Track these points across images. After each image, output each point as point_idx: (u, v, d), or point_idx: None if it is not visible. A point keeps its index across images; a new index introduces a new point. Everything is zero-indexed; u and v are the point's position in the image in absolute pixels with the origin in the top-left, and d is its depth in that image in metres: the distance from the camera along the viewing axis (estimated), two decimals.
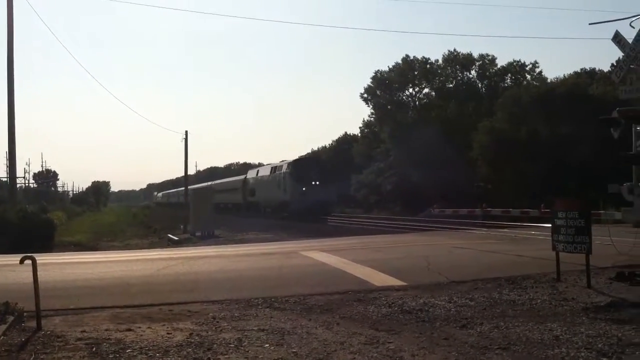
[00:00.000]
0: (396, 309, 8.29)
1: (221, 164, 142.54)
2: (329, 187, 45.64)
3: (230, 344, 6.55)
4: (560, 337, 6.58)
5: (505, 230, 23.34)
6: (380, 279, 10.81)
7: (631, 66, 11.59)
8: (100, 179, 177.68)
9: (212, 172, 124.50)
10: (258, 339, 6.73)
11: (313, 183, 44.80)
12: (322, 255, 14.67)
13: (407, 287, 9.93)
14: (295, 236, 25.28)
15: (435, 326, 7.27)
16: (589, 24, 12.62)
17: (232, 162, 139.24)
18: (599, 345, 6.20)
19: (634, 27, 11.33)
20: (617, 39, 11.55)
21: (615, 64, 12.07)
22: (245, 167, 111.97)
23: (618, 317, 7.53)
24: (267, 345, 6.49)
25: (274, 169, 51.25)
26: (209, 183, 78.66)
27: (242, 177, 64.82)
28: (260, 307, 8.68)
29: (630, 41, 11.39)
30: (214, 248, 20.91)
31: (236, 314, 8.16)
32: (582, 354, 5.95)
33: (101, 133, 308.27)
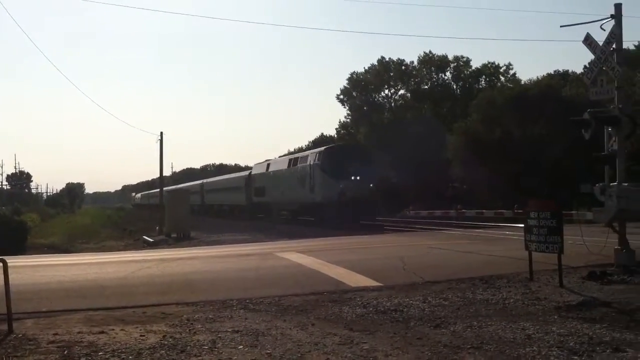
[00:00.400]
0: (371, 309, 8.31)
1: (197, 165, 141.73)
2: (371, 182, 33.63)
3: (204, 345, 6.52)
4: (533, 335, 6.65)
5: (479, 230, 23.56)
6: (356, 280, 10.83)
7: (602, 68, 11.71)
8: (75, 181, 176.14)
9: (188, 174, 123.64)
10: (232, 341, 6.71)
11: (353, 178, 32.69)
12: (298, 256, 14.66)
13: (382, 288, 9.96)
14: (272, 237, 25.21)
15: (410, 326, 7.31)
16: (561, 26, 12.76)
17: (208, 163, 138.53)
18: (570, 344, 6.28)
19: (604, 30, 11.45)
20: (588, 41, 11.68)
21: (587, 66, 12.13)
22: (222, 168, 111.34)
23: (589, 316, 7.62)
24: (241, 346, 6.47)
25: (294, 161, 39.39)
26: (202, 181, 71.21)
27: (246, 173, 52.73)
28: (235, 308, 8.65)
29: (600, 43, 11.51)
30: (189, 250, 20.79)
31: (210, 316, 8.12)
32: (554, 352, 6.02)
33: (75, 134, 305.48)
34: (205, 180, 71.18)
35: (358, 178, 32.62)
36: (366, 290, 9.77)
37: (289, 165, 39.86)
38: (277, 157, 53.96)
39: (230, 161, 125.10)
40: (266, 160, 47.81)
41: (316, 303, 8.84)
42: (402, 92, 66.10)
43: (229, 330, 7.22)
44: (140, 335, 7.03)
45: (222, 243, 24.54)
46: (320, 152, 35.08)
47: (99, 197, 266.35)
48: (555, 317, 7.59)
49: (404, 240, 19.69)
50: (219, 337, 6.89)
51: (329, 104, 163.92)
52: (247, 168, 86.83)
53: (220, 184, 61.34)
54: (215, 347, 6.45)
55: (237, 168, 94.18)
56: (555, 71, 53.19)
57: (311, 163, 35.13)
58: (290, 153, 63.52)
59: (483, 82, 62.08)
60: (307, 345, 6.42)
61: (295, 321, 7.66)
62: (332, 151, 35.10)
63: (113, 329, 7.39)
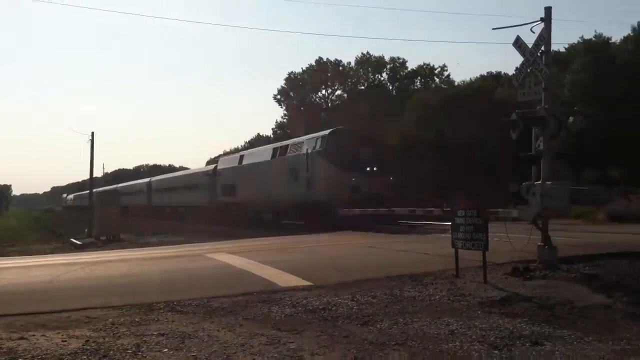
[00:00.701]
0: (300, 308, 8.32)
1: (129, 166, 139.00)
2: (391, 175, 27.18)
3: (127, 349, 6.39)
4: (456, 331, 6.80)
5: (414, 228, 23.89)
6: (286, 280, 10.82)
7: (529, 70, 12.05)
8: (1, 182, 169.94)
9: (120, 175, 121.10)
10: (157, 344, 6.60)
11: (369, 169, 25.91)
12: (228, 257, 14.54)
13: (312, 287, 9.98)
14: (204, 238, 24.91)
15: (337, 324, 7.35)
16: (492, 28, 13.09)
17: (140, 164, 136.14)
18: (491, 338, 6.45)
19: (534, 32, 11.79)
20: (518, 43, 12.00)
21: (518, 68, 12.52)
22: (156, 169, 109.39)
23: (511, 310, 7.85)
24: (166, 349, 6.37)
25: (282, 150, 31.68)
26: (150, 179, 63.53)
27: (209, 168, 44.70)
28: (162, 311, 8.50)
29: (530, 46, 11.86)
30: (118, 252, 20.29)
31: (136, 319, 7.95)
32: (475, 346, 6.17)
33: (1, 134, 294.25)
34: (153, 179, 63.30)
35: (375, 169, 25.91)
36: (296, 290, 9.76)
37: (274, 156, 32.23)
38: (228, 154, 49.37)
39: (165, 162, 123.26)
40: (238, 152, 42.01)
41: (245, 304, 8.78)
42: (339, 92, 66.74)
43: (155, 333, 7.09)
44: (62, 341, 6.83)
45: (153, 245, 24.12)
46: (323, 137, 27.45)
47: (27, 199, 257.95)
48: (479, 312, 7.78)
49: (339, 239, 19.78)
50: (144, 340, 6.76)
51: (266, 104, 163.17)
52: (182, 168, 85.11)
53: (173, 182, 53.69)
54: (139, 351, 6.33)
55: (171, 169, 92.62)
56: (488, 73, 54.60)
57: (308, 151, 27.70)
58: (267, 141, 58.71)
59: (418, 83, 63.26)
60: (234, 347, 6.38)
61: (223, 322, 7.59)
62: (339, 135, 27.36)
63: (34, 335, 7.16)
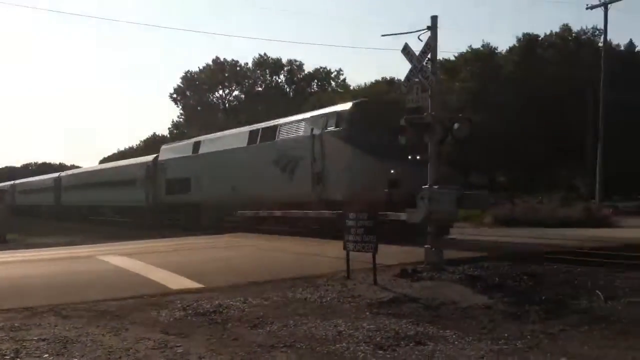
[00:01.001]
0: (190, 312, 8.22)
1: (18, 164, 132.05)
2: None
3: (5, 355, 6.12)
4: (343, 332, 6.94)
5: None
6: (178, 282, 10.65)
7: (416, 79, 12.43)
8: None
9: (8, 172, 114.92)
10: (37, 349, 6.35)
11: (410, 157, 13.31)
12: (121, 259, 14.15)
13: (204, 290, 9.88)
14: (97, 239, 24.11)
15: (227, 327, 7.33)
16: (382, 35, 13.41)
17: (30, 162, 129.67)
18: (377, 339, 6.63)
19: (421, 40, 12.13)
20: (406, 50, 12.34)
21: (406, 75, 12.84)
22: (45, 167, 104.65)
23: (398, 311, 8.09)
24: (47, 355, 6.15)
25: (265, 133, 23.85)
26: (59, 174, 54.57)
27: (147, 159, 36.25)
28: (45, 315, 8.16)
29: (417, 53, 12.21)
30: (2, 254, 19.29)
31: (16, 324, 7.59)
32: (361, 347, 6.33)
33: None
34: (64, 173, 54.42)
35: (417, 158, 15.28)
36: (188, 293, 9.64)
37: (252, 141, 24.32)
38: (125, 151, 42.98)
39: (55, 160, 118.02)
40: (182, 141, 34.13)
41: (134, 307, 8.59)
42: (236, 93, 66.58)
43: (35, 338, 6.81)
44: None
45: (42, 246, 23.07)
46: (341, 113, 19.76)
47: None
48: (367, 313, 7.98)
49: (237, 241, 19.62)
50: (24, 346, 6.48)
51: (162, 103, 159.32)
52: (74, 167, 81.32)
53: (94, 177, 44.46)
54: (17, 357, 6.09)
55: (61, 167, 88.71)
56: (382, 78, 56.07)
57: (315, 132, 20.03)
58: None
59: (315, 86, 64.15)
60: (119, 351, 6.23)
61: (109, 327, 7.38)
62: (367, 109, 19.73)
63: None
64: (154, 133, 77.60)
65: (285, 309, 8.31)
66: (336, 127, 19.35)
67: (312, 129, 20.33)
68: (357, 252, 10.39)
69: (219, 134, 29.95)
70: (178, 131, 68.55)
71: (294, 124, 22.18)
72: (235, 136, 26.80)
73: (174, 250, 17.13)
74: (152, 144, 72.37)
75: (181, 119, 69.71)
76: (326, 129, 19.73)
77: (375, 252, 10.04)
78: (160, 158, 33.08)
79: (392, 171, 16.97)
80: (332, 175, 19.25)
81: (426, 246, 11.56)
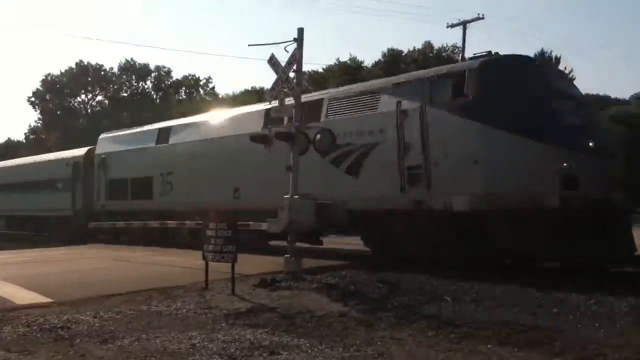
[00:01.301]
0: (35, 327, 7.77)
1: None
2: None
3: None
4: (197, 344, 6.82)
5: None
6: (25, 297, 10.04)
7: (283, 90, 12.57)
8: None
9: None
10: None
11: (591, 145, 11.66)
12: None
13: (52, 304, 9.38)
14: None
15: (75, 343, 7.00)
16: (248, 45, 13.48)
17: None
18: (232, 350, 6.57)
19: (287, 52, 12.26)
20: (272, 61, 12.45)
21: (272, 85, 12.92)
22: None
23: (255, 321, 8.07)
24: None
25: (308, 109, 14.00)
26: None
27: (77, 152, 27.59)
28: None
29: (283, 64, 12.34)
30: None
31: None
32: (214, 359, 6.26)
33: None
34: None
35: (599, 145, 12.06)
36: (35, 308, 9.10)
37: (269, 123, 14.49)
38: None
39: None
40: (154, 125, 23.35)
41: None
42: (100, 98, 64.18)
43: None
44: None
45: None
46: (462, 73, 12.91)
47: None
48: (223, 324, 7.91)
49: (97, 253, 18.74)
50: None
51: (18, 107, 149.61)
52: None
53: (25, 172, 31.21)
54: None
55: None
56: (252, 87, 56.10)
57: (408, 106, 13.39)
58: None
59: (183, 93, 63.24)
60: None
61: None
62: (500, 68, 13.14)
63: None
64: (9, 138, 73.05)
65: (138, 323, 8.06)
66: (453, 95, 12.86)
67: (397, 102, 13.58)
68: (216, 262, 10.30)
69: (207, 114, 22.08)
70: (36, 136, 64.91)
71: (358, 97, 14.93)
72: (243, 117, 18.38)
73: (26, 262, 16.12)
74: (8, 149, 67.93)
75: (39, 124, 66.04)
76: (432, 100, 13.09)
77: (235, 262, 9.99)
78: (98, 151, 24.42)
79: (564, 164, 11.57)
80: (446, 170, 12.61)
81: (286, 255, 11.66)
